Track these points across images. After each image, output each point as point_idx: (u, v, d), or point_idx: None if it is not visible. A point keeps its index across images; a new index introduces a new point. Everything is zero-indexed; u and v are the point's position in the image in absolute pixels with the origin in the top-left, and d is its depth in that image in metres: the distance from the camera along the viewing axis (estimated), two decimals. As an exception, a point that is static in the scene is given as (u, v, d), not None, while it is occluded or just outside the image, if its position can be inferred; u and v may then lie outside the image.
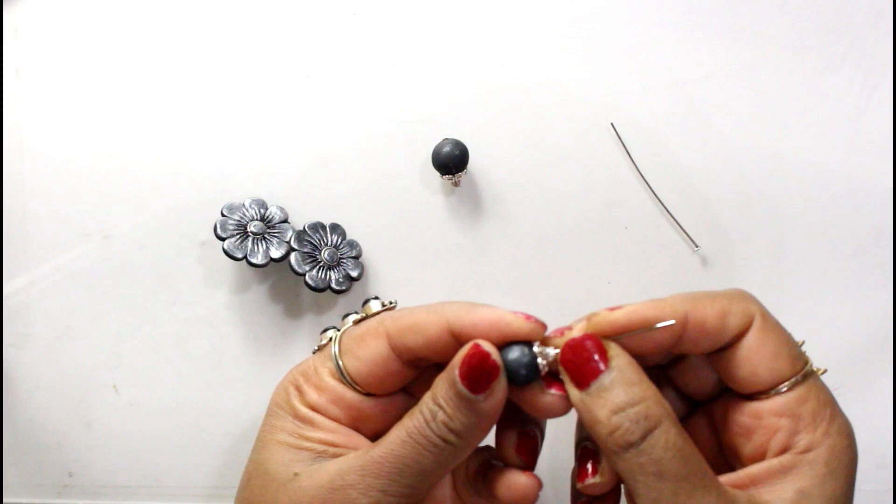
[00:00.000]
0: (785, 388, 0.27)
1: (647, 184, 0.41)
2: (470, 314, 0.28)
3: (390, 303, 0.33)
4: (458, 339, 0.28)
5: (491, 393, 0.27)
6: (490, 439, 0.31)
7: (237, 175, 0.42)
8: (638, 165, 0.41)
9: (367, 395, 0.30)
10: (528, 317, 0.28)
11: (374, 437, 0.30)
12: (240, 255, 0.38)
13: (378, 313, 0.32)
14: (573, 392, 0.27)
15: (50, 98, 0.42)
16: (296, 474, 0.29)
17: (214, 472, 0.42)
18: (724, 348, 0.28)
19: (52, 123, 0.42)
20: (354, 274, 0.40)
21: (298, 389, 0.31)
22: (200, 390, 0.42)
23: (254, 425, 0.41)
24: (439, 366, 0.29)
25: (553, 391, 0.28)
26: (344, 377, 0.30)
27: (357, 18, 0.42)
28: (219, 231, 0.39)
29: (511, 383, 0.27)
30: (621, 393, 0.26)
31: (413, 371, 0.31)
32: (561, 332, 0.28)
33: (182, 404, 0.42)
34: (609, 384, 0.26)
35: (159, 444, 0.42)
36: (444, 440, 0.27)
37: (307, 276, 0.39)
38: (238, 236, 0.39)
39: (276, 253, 0.39)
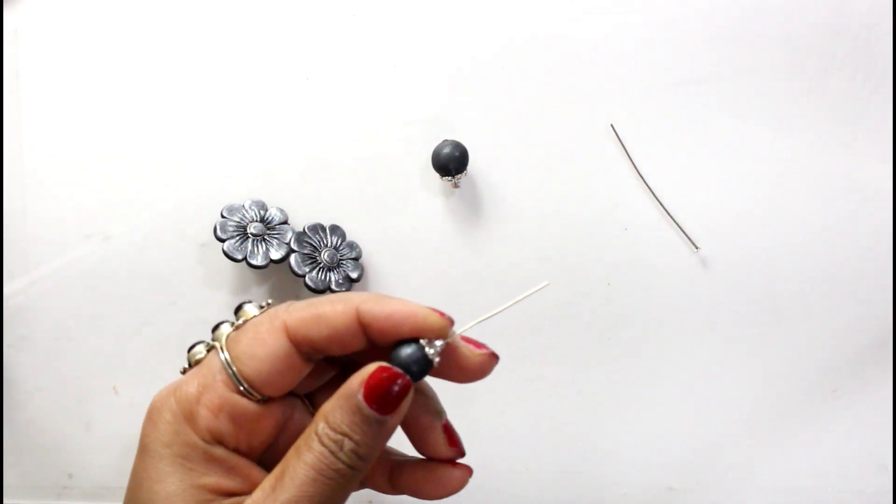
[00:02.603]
0: None
1: (647, 185, 0.41)
2: (382, 305, 0.27)
3: (267, 303, 0.30)
4: (365, 331, 0.27)
5: (399, 409, 0.26)
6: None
7: (237, 176, 0.42)
8: (638, 166, 0.41)
9: (262, 401, 0.28)
10: (441, 313, 0.27)
11: (262, 447, 0.28)
12: (240, 257, 0.38)
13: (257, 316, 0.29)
14: None
15: (50, 99, 0.42)
16: None
17: (214, 474, 0.42)
18: None
19: (53, 125, 0.42)
20: (354, 275, 0.40)
21: (188, 418, 0.27)
22: (200, 391, 0.42)
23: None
24: (329, 360, 0.28)
25: (482, 350, 0.28)
26: (241, 384, 0.27)
27: (357, 20, 0.42)
28: (219, 232, 0.39)
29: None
30: None
31: (306, 367, 0.28)
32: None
33: (182, 405, 0.42)
34: None
35: (159, 445, 0.42)
36: (353, 468, 0.26)
37: (307, 278, 0.39)
38: (238, 238, 0.39)
39: (276, 254, 0.39)
